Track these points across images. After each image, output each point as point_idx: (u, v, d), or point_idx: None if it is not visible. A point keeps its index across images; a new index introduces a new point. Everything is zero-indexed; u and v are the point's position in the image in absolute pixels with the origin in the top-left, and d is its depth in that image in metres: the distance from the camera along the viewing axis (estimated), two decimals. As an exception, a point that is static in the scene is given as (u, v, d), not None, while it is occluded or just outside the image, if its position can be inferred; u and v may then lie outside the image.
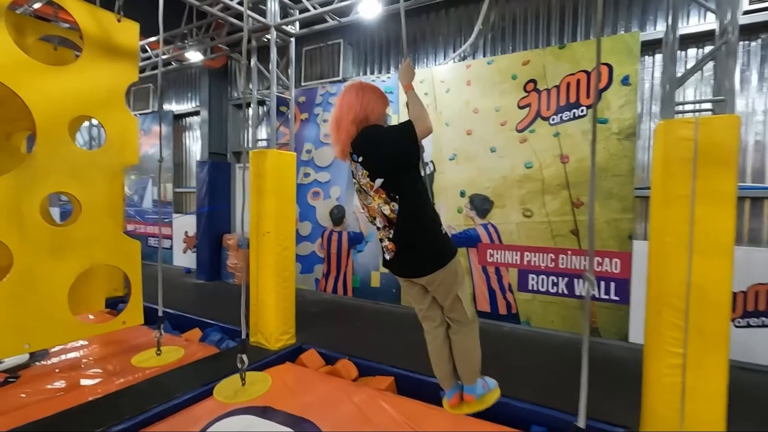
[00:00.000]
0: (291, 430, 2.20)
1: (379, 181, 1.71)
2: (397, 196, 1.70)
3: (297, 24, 3.44)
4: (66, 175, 2.55)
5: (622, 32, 3.68)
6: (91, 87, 2.65)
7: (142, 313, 2.94)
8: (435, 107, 4.41)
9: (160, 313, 2.88)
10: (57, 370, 2.96)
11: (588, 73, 3.62)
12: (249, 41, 3.26)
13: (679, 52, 3.53)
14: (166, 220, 7.17)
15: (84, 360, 3.16)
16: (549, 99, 3.79)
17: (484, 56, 4.34)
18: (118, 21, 2.78)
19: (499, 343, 3.62)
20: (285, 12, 3.48)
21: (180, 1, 3.66)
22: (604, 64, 3.54)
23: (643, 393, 2.09)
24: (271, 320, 3.36)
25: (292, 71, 3.55)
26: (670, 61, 1.99)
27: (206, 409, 2.38)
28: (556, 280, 3.81)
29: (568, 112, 3.71)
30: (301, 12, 3.41)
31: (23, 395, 2.58)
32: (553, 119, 3.77)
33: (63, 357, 3.21)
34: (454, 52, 4.51)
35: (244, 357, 2.19)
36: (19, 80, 2.31)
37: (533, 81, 3.86)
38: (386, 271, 4.95)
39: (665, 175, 1.94)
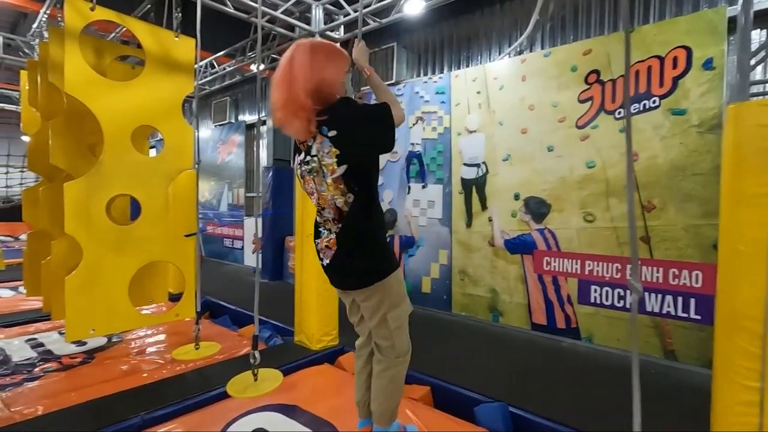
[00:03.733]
0: (311, 431, 2.19)
1: (343, 168, 1.45)
2: (356, 189, 1.49)
3: (342, 29, 3.49)
4: (129, 179, 2.84)
5: (706, 8, 3.18)
6: (152, 99, 2.92)
7: (194, 306, 3.16)
8: (488, 106, 4.19)
9: (198, 309, 3.06)
10: (124, 355, 3.29)
11: (662, 59, 3.18)
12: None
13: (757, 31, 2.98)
14: (237, 222, 7.73)
15: (148, 348, 3.48)
16: (614, 90, 3.40)
17: (541, 48, 4.04)
18: (176, 38, 3.04)
19: (556, 360, 3.29)
20: (331, 18, 3.55)
21: (240, 19, 3.92)
22: (680, 47, 3.08)
23: (710, 433, 1.74)
24: (313, 321, 3.41)
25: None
26: (743, 38, 1.65)
27: (238, 403, 2.47)
28: (623, 293, 3.38)
29: (637, 104, 3.29)
30: (345, 16, 3.46)
31: (93, 375, 2.91)
32: (620, 113, 3.37)
33: (132, 344, 3.57)
34: (509, 47, 4.26)
35: (257, 353, 2.23)
36: (89, 95, 2.62)
37: (596, 71, 3.49)
38: (437, 276, 4.83)
39: (737, 170, 1.61)
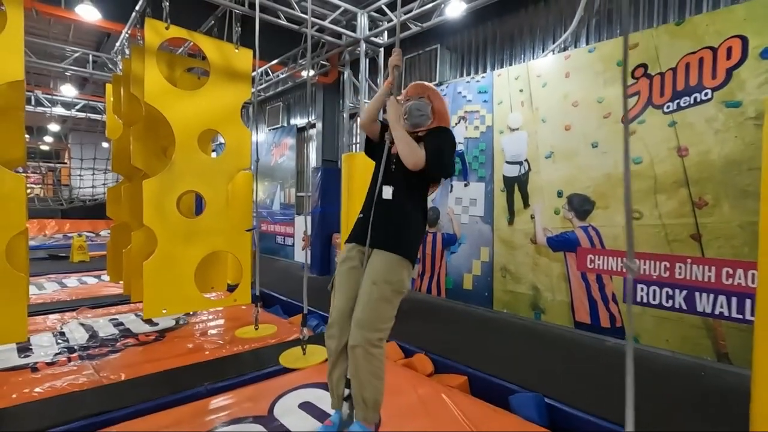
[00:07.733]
0: (353, 407, 2.37)
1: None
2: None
3: (385, 34, 3.68)
4: (196, 177, 3.19)
5: (765, -5, 3.02)
6: (216, 106, 3.26)
7: (249, 293, 3.47)
8: (531, 103, 4.20)
9: (257, 293, 3.34)
10: (189, 335, 3.67)
11: (714, 50, 3.06)
12: (342, 55, 3.57)
13: None
14: (289, 220, 8.16)
15: (210, 330, 3.85)
16: (663, 84, 3.31)
17: (586, 44, 3.99)
18: (236, 50, 3.37)
19: (598, 359, 3.26)
20: (375, 24, 3.75)
21: (291, 30, 4.22)
22: (736, 36, 2.96)
23: None
24: (357, 311, 3.61)
25: (381, 80, 3.80)
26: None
27: (287, 379, 2.71)
28: (671, 293, 3.27)
29: (687, 98, 3.19)
30: (388, 22, 3.64)
31: (165, 350, 3.30)
32: (668, 107, 3.28)
33: (196, 327, 3.96)
34: (553, 44, 4.24)
35: (305, 330, 2.45)
36: (164, 104, 2.99)
37: (643, 66, 3.41)
38: (479, 273, 4.87)
39: (776, 162, 1.59)
